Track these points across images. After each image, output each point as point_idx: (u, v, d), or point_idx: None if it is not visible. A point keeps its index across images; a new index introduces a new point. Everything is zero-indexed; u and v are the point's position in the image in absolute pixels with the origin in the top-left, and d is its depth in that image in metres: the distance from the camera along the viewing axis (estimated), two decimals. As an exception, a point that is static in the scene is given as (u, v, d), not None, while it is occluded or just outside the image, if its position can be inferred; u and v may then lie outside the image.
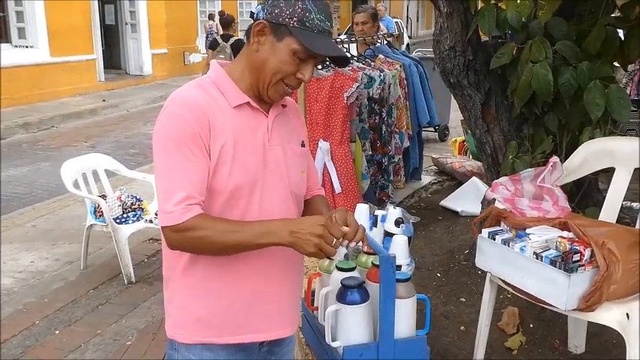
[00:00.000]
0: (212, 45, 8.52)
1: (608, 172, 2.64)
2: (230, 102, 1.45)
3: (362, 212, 2.18)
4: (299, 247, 1.38)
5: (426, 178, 5.61)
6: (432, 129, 7.37)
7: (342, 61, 1.54)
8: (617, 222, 2.48)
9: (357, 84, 4.00)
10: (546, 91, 2.80)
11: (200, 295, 1.50)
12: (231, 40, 8.24)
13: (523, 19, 3.00)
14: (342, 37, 4.56)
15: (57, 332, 3.25)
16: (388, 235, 2.13)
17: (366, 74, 4.24)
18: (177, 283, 1.52)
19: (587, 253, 1.99)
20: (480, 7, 3.14)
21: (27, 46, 10.71)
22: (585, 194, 3.16)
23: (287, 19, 1.39)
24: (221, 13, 10.84)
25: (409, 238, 2.10)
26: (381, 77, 4.37)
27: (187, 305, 1.51)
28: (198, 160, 1.38)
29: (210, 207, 1.42)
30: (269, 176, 1.49)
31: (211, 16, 15.27)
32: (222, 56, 7.79)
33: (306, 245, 1.36)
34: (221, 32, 8.99)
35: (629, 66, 4.54)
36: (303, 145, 1.62)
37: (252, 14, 1.47)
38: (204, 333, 1.51)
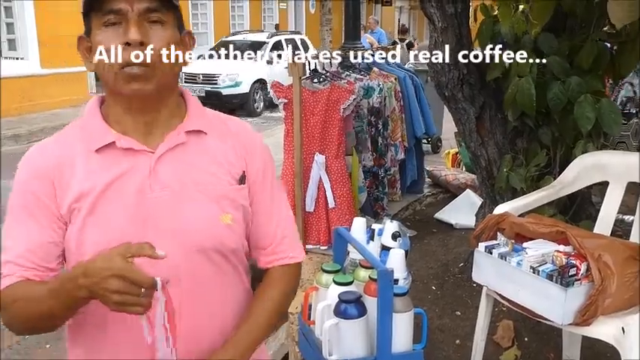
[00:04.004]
0: None
1: (602, 185, 2.66)
2: (89, 146, 1.20)
3: (359, 226, 2.18)
4: (103, 302, 1.04)
5: (420, 191, 5.63)
6: (424, 141, 7.39)
7: None
8: (610, 235, 2.50)
9: (354, 96, 4.01)
10: (529, 105, 2.85)
11: None
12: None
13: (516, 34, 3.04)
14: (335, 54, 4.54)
15: (47, 346, 3.21)
16: (385, 248, 2.13)
17: (363, 87, 4.27)
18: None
19: (583, 267, 1.99)
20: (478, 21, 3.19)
21: (17, 58, 10.66)
22: (579, 208, 3.18)
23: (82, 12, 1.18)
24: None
25: (406, 252, 2.10)
26: (380, 86, 4.40)
27: None
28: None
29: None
30: (151, 235, 1.13)
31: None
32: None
33: (108, 302, 1.02)
34: None
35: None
36: (242, 181, 1.25)
37: None
38: None
